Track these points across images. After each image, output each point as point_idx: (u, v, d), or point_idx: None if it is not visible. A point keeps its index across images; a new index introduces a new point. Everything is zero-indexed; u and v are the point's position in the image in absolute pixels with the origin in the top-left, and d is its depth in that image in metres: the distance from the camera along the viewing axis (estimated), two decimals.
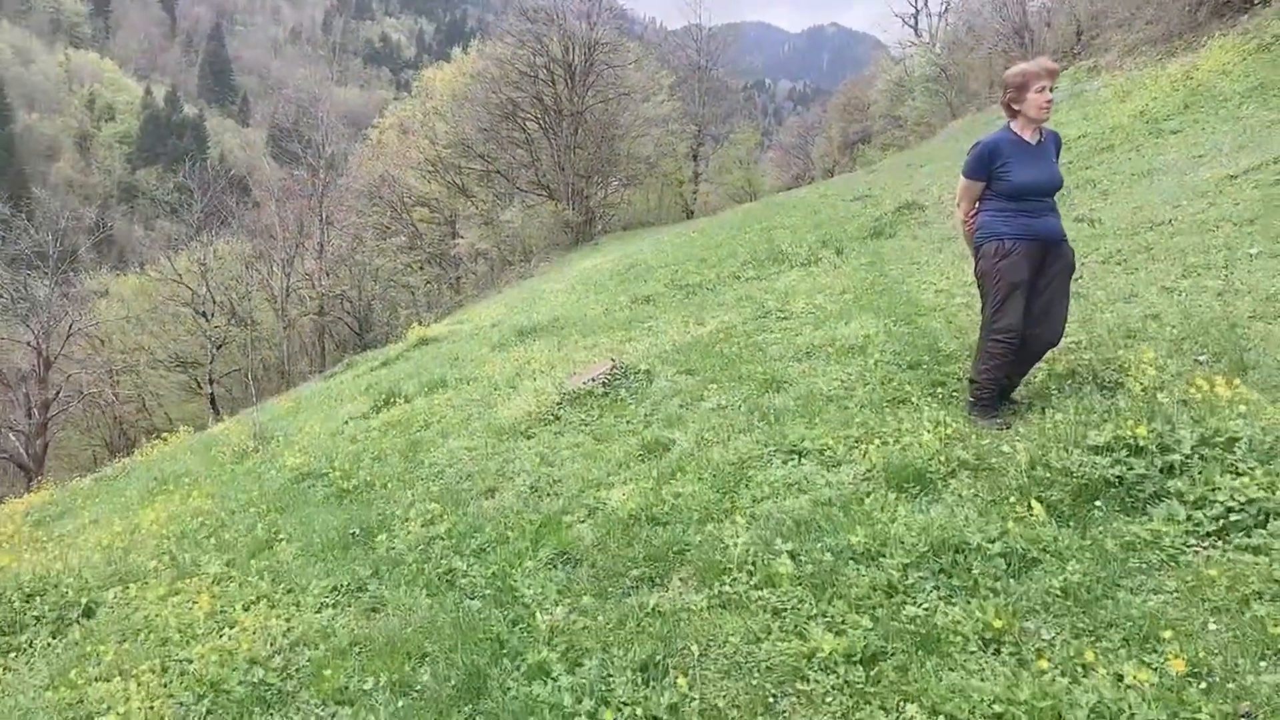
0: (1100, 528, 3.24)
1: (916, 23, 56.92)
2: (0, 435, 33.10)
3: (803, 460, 4.48)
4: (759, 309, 9.02)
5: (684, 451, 4.98)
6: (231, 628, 3.99)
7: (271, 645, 3.75)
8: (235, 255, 41.62)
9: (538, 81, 39.60)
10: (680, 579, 3.55)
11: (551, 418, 6.40)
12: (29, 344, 33.08)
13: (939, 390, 5.14)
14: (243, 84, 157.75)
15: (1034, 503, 3.32)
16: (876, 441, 4.36)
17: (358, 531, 4.94)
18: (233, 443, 10.42)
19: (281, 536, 5.21)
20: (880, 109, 56.13)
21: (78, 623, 4.53)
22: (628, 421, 5.95)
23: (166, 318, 39.81)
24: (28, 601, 4.67)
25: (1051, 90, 4.38)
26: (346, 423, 9.22)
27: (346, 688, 3.30)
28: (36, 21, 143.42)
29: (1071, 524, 3.30)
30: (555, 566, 3.96)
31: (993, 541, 3.15)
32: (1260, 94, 14.39)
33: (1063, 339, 4.63)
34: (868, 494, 3.86)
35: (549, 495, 4.92)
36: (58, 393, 34.49)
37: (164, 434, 26.75)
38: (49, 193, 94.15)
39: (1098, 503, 3.40)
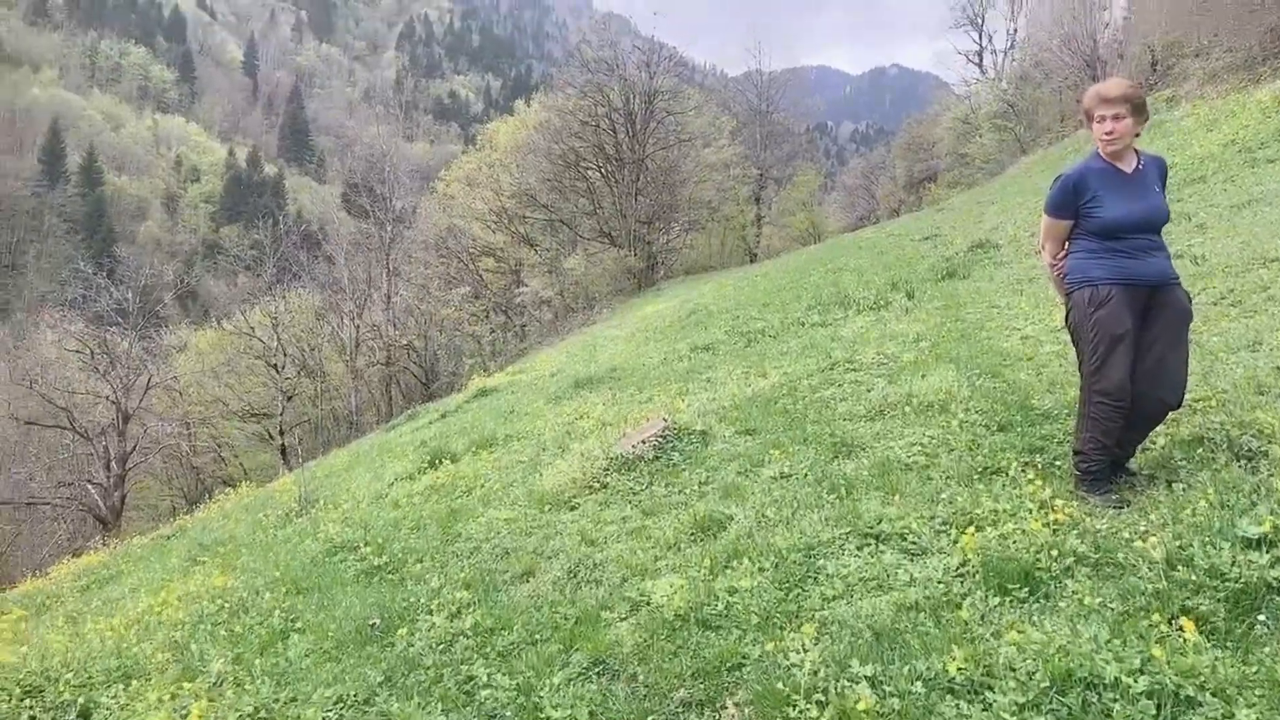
0: (1267, 649, 2.54)
1: (981, 59, 56.00)
2: (79, 488, 34.00)
3: (881, 547, 3.81)
4: (825, 359, 8.36)
5: (742, 531, 4.36)
6: None
7: None
8: (306, 308, 42.51)
9: (599, 131, 39.90)
10: (735, 704, 2.92)
11: (598, 485, 5.84)
12: (108, 398, 34.00)
13: (1037, 458, 4.42)
14: (319, 143, 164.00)
15: (1183, 619, 2.62)
16: (970, 527, 3.68)
17: (378, 622, 4.43)
18: (281, 504, 10.14)
19: (298, 625, 4.72)
20: (946, 147, 55.09)
21: None
22: (680, 491, 5.35)
23: (241, 370, 40.70)
24: (24, 700, 4.27)
25: (1118, 119, 3.71)
26: (392, 484, 8.83)
27: None
28: (125, 89, 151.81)
29: (1229, 645, 2.59)
30: (589, 678, 3.37)
31: (1135, 674, 2.45)
32: None
33: (1184, 399, 3.90)
34: (963, 597, 3.18)
35: (588, 583, 4.35)
36: (135, 445, 35.31)
37: (238, 484, 27.09)
38: (137, 250, 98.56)
39: (1261, 615, 2.68)
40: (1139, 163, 3.86)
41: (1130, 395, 3.66)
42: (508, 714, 3.25)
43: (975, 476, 4.36)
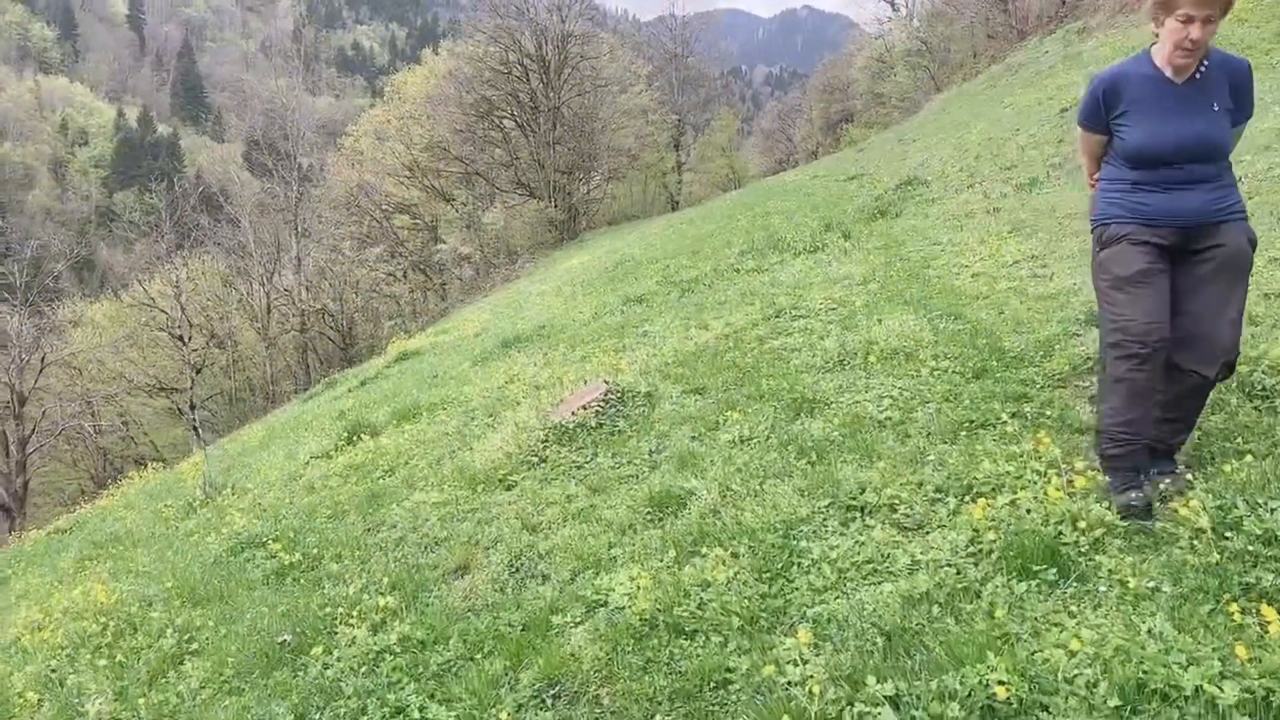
0: None
1: None
2: None
3: (869, 521, 3.33)
4: (768, 306, 7.87)
5: (705, 508, 3.83)
6: None
7: None
8: (211, 275, 40.36)
9: (511, 78, 38.49)
10: None
11: (536, 459, 5.24)
12: (1, 381, 31.75)
13: (1025, 408, 4.01)
14: (216, 100, 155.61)
15: (1261, 604, 2.18)
16: (969, 495, 3.22)
17: (289, 638, 3.78)
18: (186, 490, 9.28)
19: (194, 647, 4.04)
20: (861, 87, 55.08)
21: None
22: (628, 462, 4.80)
23: (144, 343, 38.49)
24: None
25: (1208, 23, 2.88)
26: (307, 464, 8.07)
27: None
28: (3, 49, 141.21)
29: None
30: (544, 704, 2.81)
31: (1218, 680, 2.00)
32: None
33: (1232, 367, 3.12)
34: (981, 583, 2.72)
35: (533, 578, 3.77)
36: (34, 429, 33.18)
37: (148, 464, 25.58)
38: (26, 220, 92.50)
39: None
40: (1199, 69, 3.06)
41: (1151, 346, 2.94)
42: None
43: (961, 432, 3.91)
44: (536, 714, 2.76)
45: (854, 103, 57.20)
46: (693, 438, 4.88)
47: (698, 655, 2.75)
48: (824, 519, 3.44)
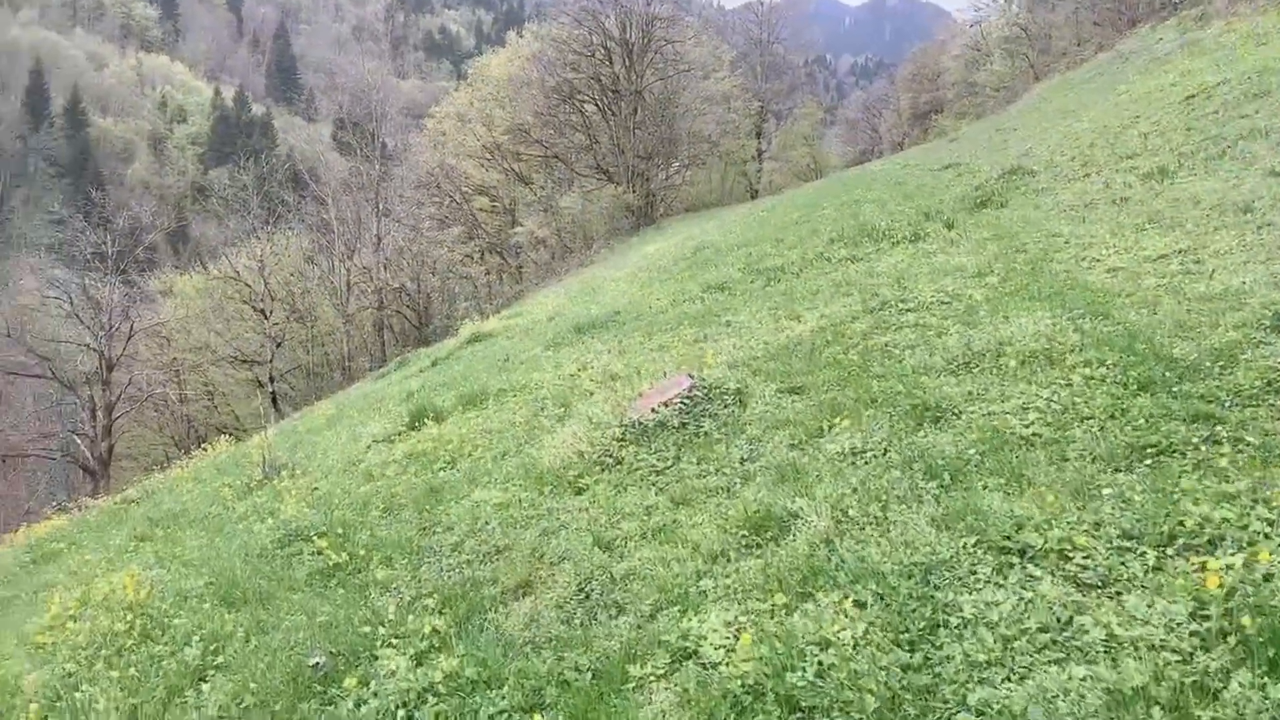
0: None
1: None
2: (65, 439, 33.05)
3: (1032, 570, 2.62)
4: (870, 298, 7.11)
5: (815, 536, 3.16)
6: None
7: None
8: (294, 251, 41.02)
9: (595, 61, 38.04)
10: None
11: (611, 461, 4.64)
12: (90, 346, 32.76)
13: (1220, 431, 3.22)
14: (308, 81, 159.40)
15: None
16: (1169, 542, 2.48)
17: (322, 660, 3.26)
18: (249, 467, 9.01)
19: (219, 661, 3.56)
20: (954, 76, 53.07)
21: None
22: (717, 470, 4.16)
23: (229, 315, 39.34)
24: None
25: None
26: (369, 448, 7.65)
27: None
28: (107, 27, 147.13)
29: None
30: None
31: None
32: None
33: None
34: (1221, 679, 2.00)
35: (606, 609, 3.17)
36: (120, 394, 34.19)
37: (229, 433, 26.01)
38: (125, 193, 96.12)
39: None
40: None
41: None
42: None
43: (1137, 458, 3.16)
44: None
45: (944, 92, 55.24)
46: (792, 446, 4.21)
47: None
48: (972, 563, 2.74)
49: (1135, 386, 3.82)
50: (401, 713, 2.81)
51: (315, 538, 4.84)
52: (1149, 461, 3.12)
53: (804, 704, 2.29)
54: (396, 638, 3.27)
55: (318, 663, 3.28)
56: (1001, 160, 15.69)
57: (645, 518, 3.86)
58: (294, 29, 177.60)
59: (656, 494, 4.08)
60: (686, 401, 4.87)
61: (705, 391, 4.94)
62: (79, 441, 32.77)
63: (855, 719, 2.18)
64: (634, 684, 2.63)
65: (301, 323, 40.91)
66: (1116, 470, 3.13)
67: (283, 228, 41.36)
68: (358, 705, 2.93)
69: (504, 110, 42.79)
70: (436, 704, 2.81)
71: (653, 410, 4.87)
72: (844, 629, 2.50)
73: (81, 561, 7.29)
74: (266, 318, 36.37)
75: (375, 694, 2.97)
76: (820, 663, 2.41)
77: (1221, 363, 3.97)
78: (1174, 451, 3.14)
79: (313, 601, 4.04)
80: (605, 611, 3.16)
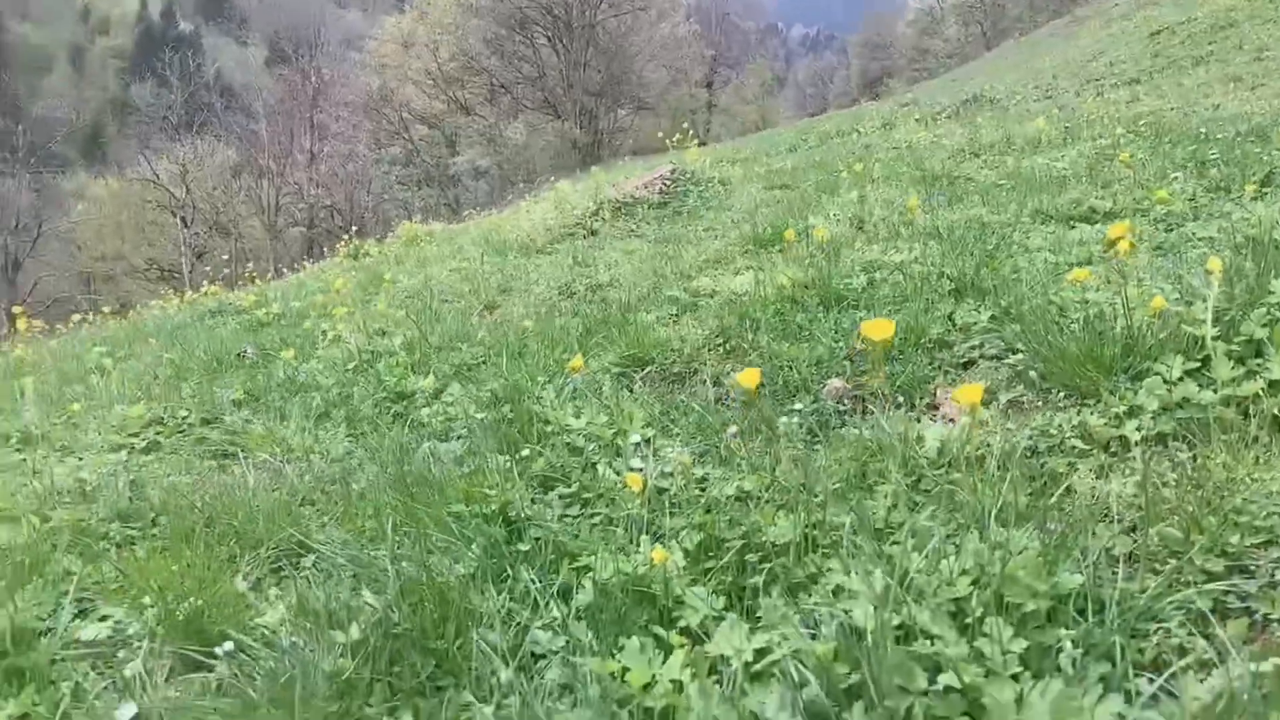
0: None
1: None
2: None
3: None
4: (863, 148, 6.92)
5: (834, 215, 2.91)
6: None
7: None
8: (221, 161, 39.17)
9: None
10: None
11: (583, 231, 4.32)
12: None
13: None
14: (241, 1, 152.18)
15: None
16: None
17: (248, 351, 2.90)
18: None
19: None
20: (907, 43, 53.40)
21: None
22: (707, 229, 3.88)
23: (145, 223, 37.39)
24: None
25: None
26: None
27: None
28: None
29: None
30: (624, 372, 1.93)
31: None
32: None
33: None
34: None
35: (608, 288, 2.88)
36: (25, 296, 32.32)
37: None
38: (40, 104, 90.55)
39: None
40: None
41: None
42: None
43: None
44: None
45: (897, 60, 55.57)
46: (788, 211, 3.95)
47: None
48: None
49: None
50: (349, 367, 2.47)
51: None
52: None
53: (843, 296, 2.05)
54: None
55: (244, 351, 2.90)
56: (960, 96, 15.69)
57: (629, 255, 3.56)
58: None
59: (641, 242, 3.79)
60: (668, 183, 4.56)
61: (689, 175, 4.64)
62: None
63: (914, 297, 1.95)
64: (644, 323, 2.35)
65: (225, 237, 39.22)
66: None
67: (207, 137, 39.48)
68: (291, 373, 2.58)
69: (451, 37, 41.43)
70: (387, 361, 2.48)
71: (634, 191, 4.55)
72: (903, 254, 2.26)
73: None
74: (187, 226, 34.72)
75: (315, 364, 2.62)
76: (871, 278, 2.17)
77: None
78: None
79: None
80: (607, 289, 2.86)
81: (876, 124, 10.16)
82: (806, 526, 1.38)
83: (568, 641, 1.27)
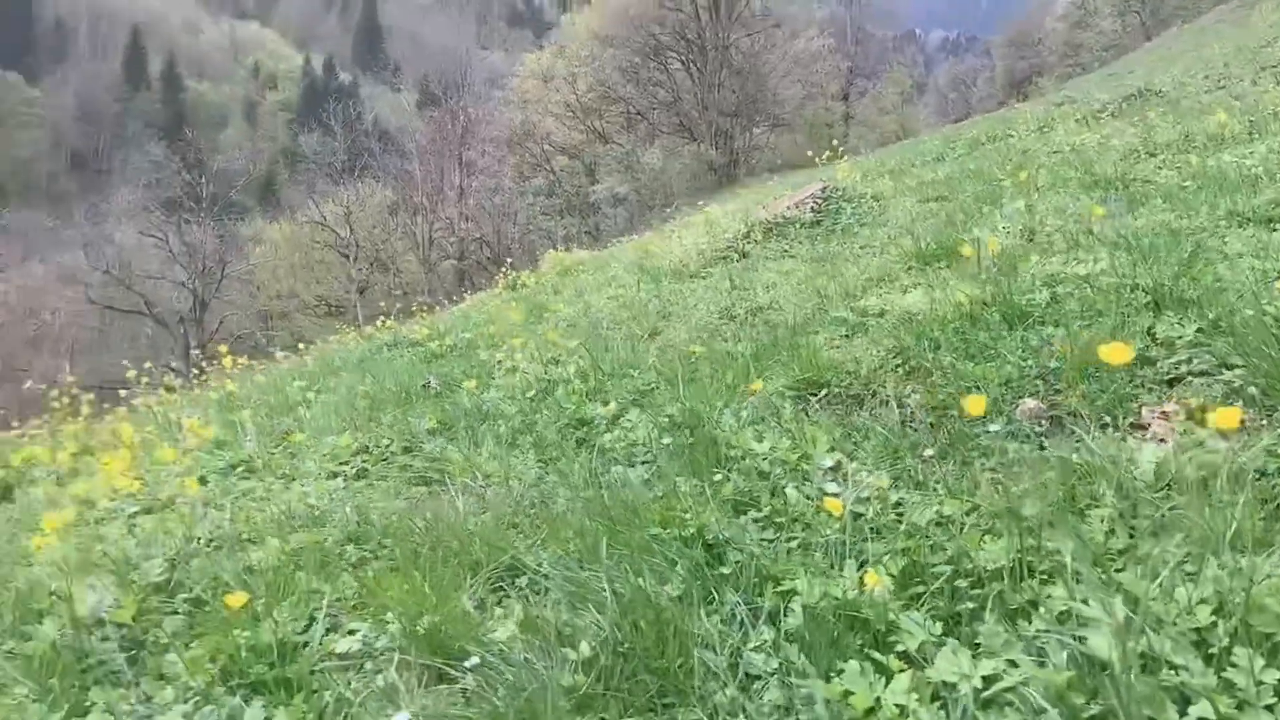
0: None
1: None
2: (158, 373, 34.22)
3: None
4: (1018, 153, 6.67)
5: (1001, 226, 2.84)
6: None
7: None
8: (379, 203, 41.76)
9: (681, 12, 37.53)
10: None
11: (735, 255, 4.37)
12: (184, 284, 33.98)
13: None
14: (393, 50, 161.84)
15: None
16: None
17: (432, 381, 3.10)
18: None
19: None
20: (1057, 39, 50.78)
21: None
22: (864, 246, 3.85)
23: (314, 262, 40.27)
24: None
25: None
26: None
27: None
28: None
29: None
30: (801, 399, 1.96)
31: None
32: None
33: None
34: None
35: (769, 311, 2.91)
36: (211, 335, 35.36)
37: None
38: (220, 158, 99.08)
39: None
40: None
41: None
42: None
43: None
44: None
45: (1046, 58, 52.94)
46: (948, 223, 3.87)
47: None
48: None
49: None
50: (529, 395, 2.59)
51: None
52: None
53: (1025, 312, 2.00)
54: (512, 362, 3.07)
55: (428, 383, 3.09)
56: (1121, 91, 14.83)
57: (785, 276, 3.58)
58: None
59: (795, 263, 3.80)
60: (820, 200, 4.55)
61: (841, 191, 4.62)
62: (172, 376, 33.96)
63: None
64: (815, 345, 2.37)
65: (384, 272, 41.63)
66: None
67: (367, 179, 42.14)
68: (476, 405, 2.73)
69: (588, 69, 42.62)
70: (565, 389, 2.59)
71: (784, 211, 4.57)
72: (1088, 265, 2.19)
73: None
74: (351, 262, 37.09)
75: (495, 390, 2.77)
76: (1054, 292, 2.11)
77: None
78: None
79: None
80: (767, 313, 2.90)
81: (1031, 126, 9.74)
82: (1018, 551, 1.36)
83: (781, 664, 1.30)
